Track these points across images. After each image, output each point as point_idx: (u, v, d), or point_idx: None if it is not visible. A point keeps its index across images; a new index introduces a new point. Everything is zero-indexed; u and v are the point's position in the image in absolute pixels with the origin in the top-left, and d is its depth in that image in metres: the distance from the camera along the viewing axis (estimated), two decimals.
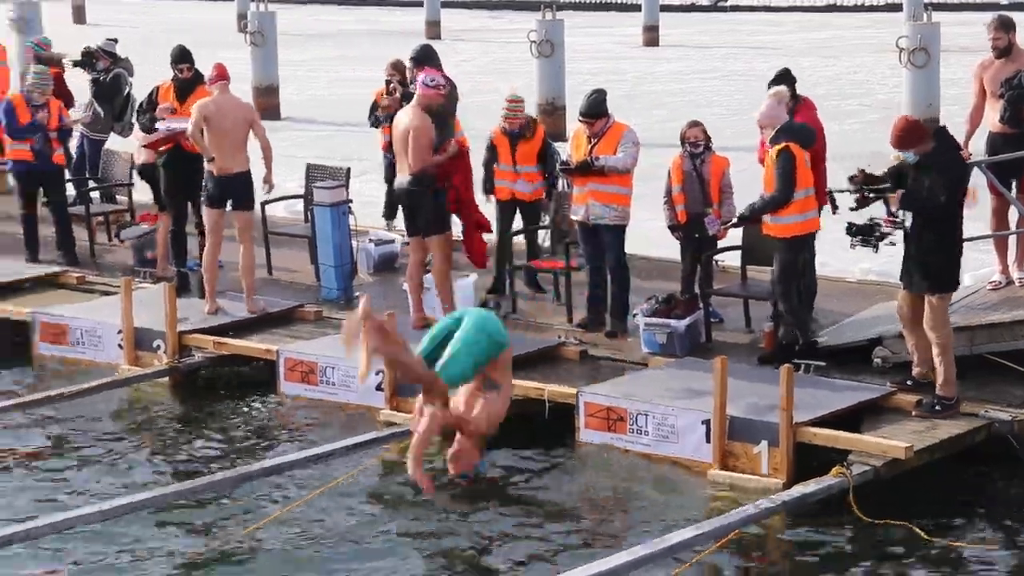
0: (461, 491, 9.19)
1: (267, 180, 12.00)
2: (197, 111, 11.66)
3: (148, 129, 12.66)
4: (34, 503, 9.02)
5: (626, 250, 11.32)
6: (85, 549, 8.20)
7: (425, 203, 11.15)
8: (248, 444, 10.23)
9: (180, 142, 12.21)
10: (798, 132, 10.43)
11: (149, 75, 14.51)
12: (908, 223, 9.51)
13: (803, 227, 10.32)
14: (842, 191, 10.00)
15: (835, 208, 10.29)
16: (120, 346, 11.63)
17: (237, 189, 11.76)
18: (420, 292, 11.44)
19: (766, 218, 10.37)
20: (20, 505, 8.99)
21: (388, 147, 12.93)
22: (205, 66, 12.31)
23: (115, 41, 15.35)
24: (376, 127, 13.71)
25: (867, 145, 16.61)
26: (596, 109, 11.15)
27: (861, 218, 9.84)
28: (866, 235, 9.71)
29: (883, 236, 9.72)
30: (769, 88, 10.87)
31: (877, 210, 9.83)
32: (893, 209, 9.64)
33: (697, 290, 11.24)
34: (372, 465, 9.48)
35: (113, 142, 15.23)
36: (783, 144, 10.23)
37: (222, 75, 11.83)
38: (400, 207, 11.84)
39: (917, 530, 8.54)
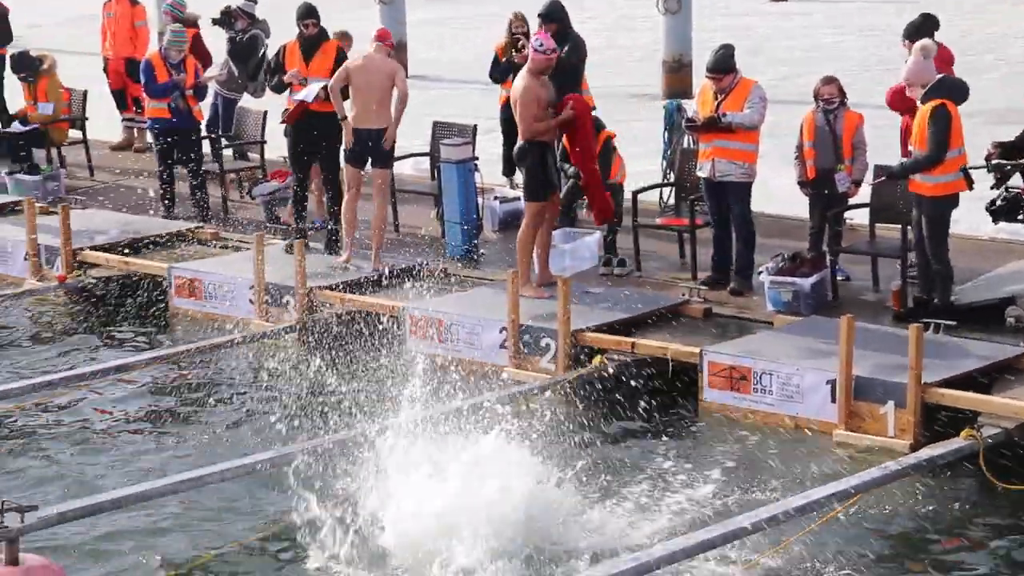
0: (581, 452, 9.28)
1: (389, 135, 12.10)
2: (343, 67, 11.85)
3: (278, 90, 12.84)
4: (169, 458, 9.25)
5: (752, 207, 11.23)
6: (221, 505, 8.39)
7: (526, 169, 11.16)
8: (375, 400, 10.38)
9: (308, 103, 12.36)
10: (953, 88, 10.18)
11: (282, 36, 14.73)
12: None
13: (953, 186, 10.13)
14: (977, 167, 9.76)
15: (971, 185, 10.05)
16: (251, 301, 11.90)
17: (377, 145, 11.92)
18: (546, 250, 11.50)
19: (915, 176, 10.17)
20: (154, 460, 9.22)
21: (507, 102, 12.97)
22: (333, 25, 12.44)
23: (255, 2, 15.59)
24: (498, 83, 13.73)
25: (1001, 102, 16.20)
26: (724, 64, 11.05)
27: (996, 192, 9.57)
28: (1011, 213, 9.45)
29: None
30: (907, 36, 10.58)
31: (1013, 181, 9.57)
32: None
33: (824, 248, 11.11)
34: (491, 422, 9.56)
35: (246, 100, 15.50)
36: (938, 101, 9.99)
37: (381, 37, 12.07)
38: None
39: None
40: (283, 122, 12.68)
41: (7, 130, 15.51)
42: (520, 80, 11.22)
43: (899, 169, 10.31)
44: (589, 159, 11.41)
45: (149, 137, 15.53)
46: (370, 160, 12.06)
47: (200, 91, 14.19)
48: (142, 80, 14.22)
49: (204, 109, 14.76)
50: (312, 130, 12.35)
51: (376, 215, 12.09)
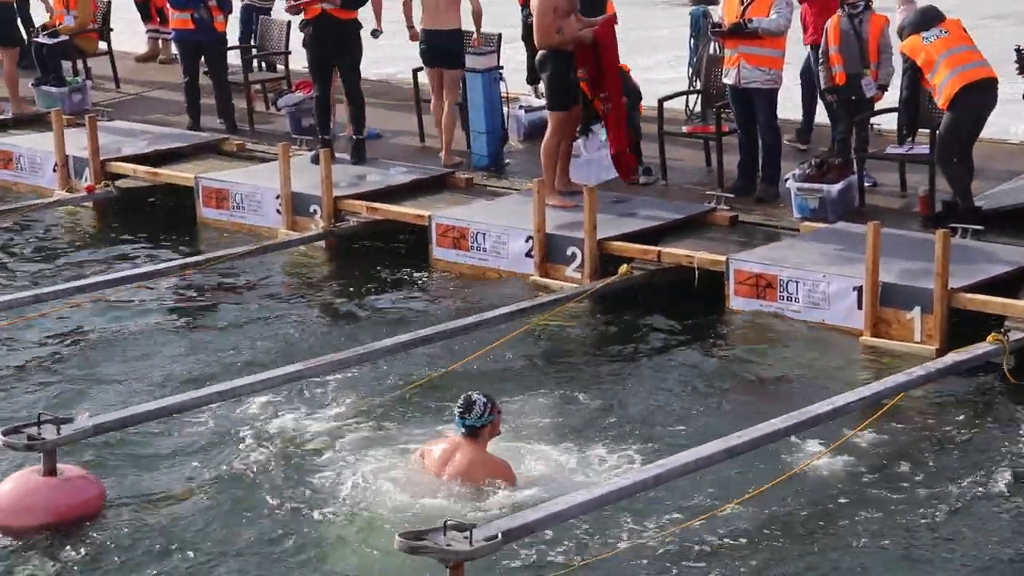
0: (611, 360, 9.35)
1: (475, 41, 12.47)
2: None
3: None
4: (195, 368, 9.31)
5: (778, 114, 11.17)
6: (239, 418, 8.47)
7: (548, 77, 11.09)
8: (401, 310, 10.46)
9: (325, 8, 12.24)
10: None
11: None
12: None
13: (963, 79, 10.03)
14: None
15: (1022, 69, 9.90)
16: (278, 211, 11.95)
17: (445, 47, 12.09)
18: (567, 159, 11.47)
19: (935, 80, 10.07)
20: (180, 372, 9.25)
21: (525, 3, 12.87)
22: None
23: None
24: None
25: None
26: None
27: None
28: None
29: None
30: None
31: None
32: None
33: (851, 154, 11.06)
34: (524, 332, 9.63)
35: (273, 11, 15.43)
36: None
37: None
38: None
39: None
40: (287, 9, 12.54)
41: (36, 40, 15.49)
42: None
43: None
44: (612, 86, 11.07)
45: (174, 48, 15.50)
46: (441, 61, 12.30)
47: (224, 2, 14.12)
48: None
49: (234, 23, 14.69)
50: (330, 38, 12.28)
51: (446, 113, 12.38)
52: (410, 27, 12.59)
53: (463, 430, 7.43)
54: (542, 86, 11.78)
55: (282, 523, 7.25)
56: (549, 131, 11.28)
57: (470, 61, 12.44)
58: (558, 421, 8.33)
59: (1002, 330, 8.88)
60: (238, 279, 11.18)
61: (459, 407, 7.43)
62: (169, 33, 15.07)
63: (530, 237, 10.64)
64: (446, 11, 12.18)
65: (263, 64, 15.20)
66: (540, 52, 11.17)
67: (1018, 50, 9.43)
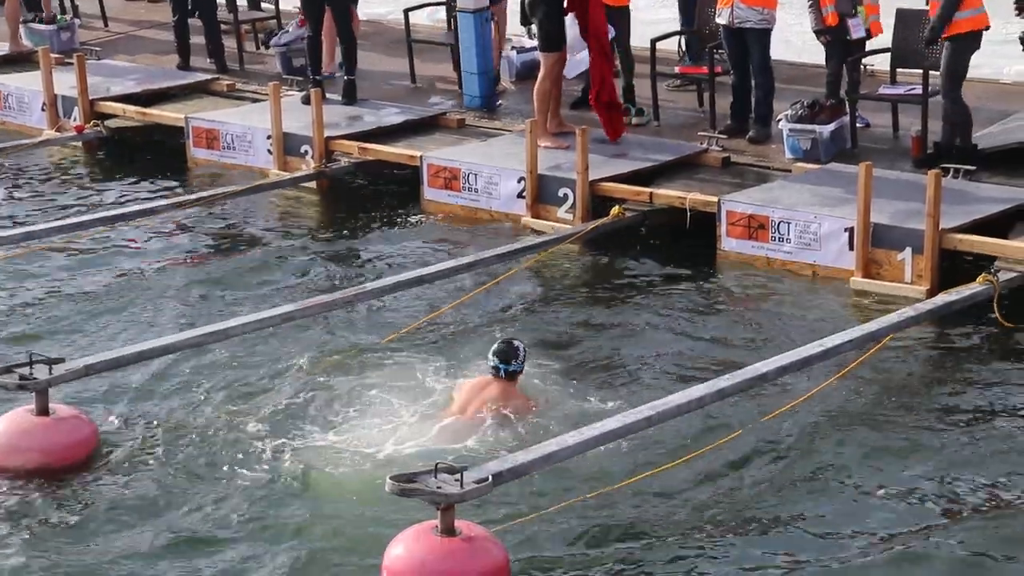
0: (602, 303, 9.36)
1: None
2: None
3: None
4: (187, 309, 9.29)
5: (771, 54, 11.12)
6: (231, 359, 8.47)
7: (539, 20, 11.02)
8: (393, 252, 10.44)
9: None
10: None
11: None
12: None
13: (974, 23, 9.99)
14: None
15: (1021, 9, 9.83)
16: (270, 151, 11.90)
17: None
18: (559, 101, 11.40)
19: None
20: (171, 312, 9.26)
21: None
22: None
23: None
24: None
25: None
26: None
27: None
28: None
29: None
30: None
31: None
32: None
33: (843, 95, 11.01)
34: (515, 273, 9.62)
35: None
36: None
37: None
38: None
39: None
40: None
41: None
42: None
43: (934, 29, 10.12)
44: (593, 36, 10.92)
45: None
46: None
47: None
48: None
49: None
50: None
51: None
52: None
53: (503, 375, 7.61)
54: (535, 28, 11.68)
55: (274, 466, 7.25)
56: (541, 73, 11.22)
57: (461, 1, 12.34)
58: (550, 363, 8.34)
59: (992, 270, 8.90)
60: (229, 219, 11.15)
61: (500, 353, 7.63)
62: None
63: (522, 178, 10.61)
64: None
65: (251, 3, 15.08)
66: None
67: None
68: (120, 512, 6.94)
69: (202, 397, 8.00)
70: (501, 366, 7.61)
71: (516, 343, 7.74)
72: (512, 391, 7.63)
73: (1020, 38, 9.29)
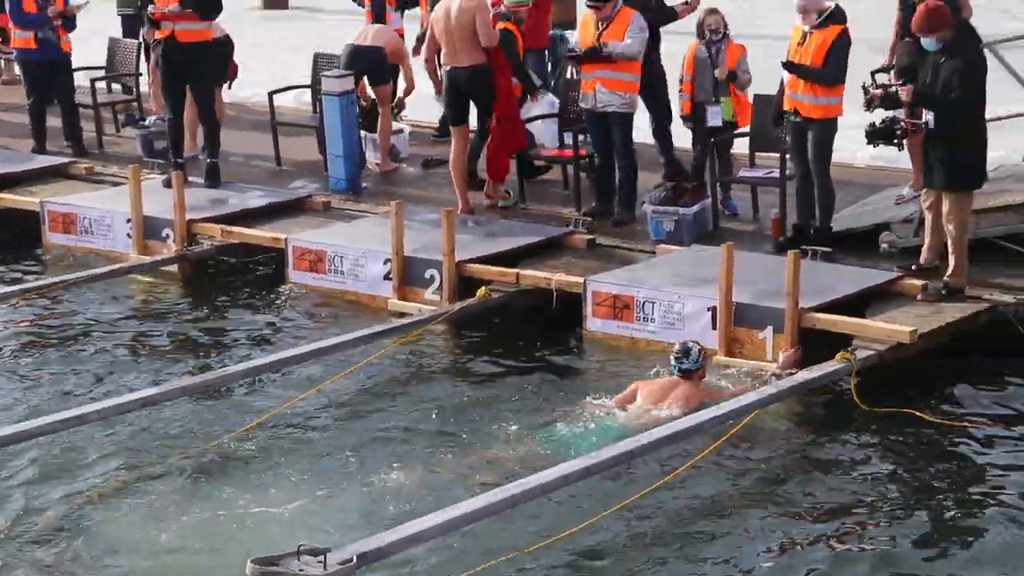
0: (468, 382, 9.31)
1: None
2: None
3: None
4: (42, 396, 9.04)
5: (634, 138, 11.29)
6: (90, 444, 8.25)
7: (490, 84, 11.34)
8: (257, 335, 10.28)
9: (175, 32, 12.06)
10: (843, 15, 10.29)
11: None
12: (931, 120, 9.33)
13: (839, 109, 10.29)
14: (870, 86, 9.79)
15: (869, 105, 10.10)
16: (129, 235, 11.67)
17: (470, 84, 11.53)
18: (466, 179, 11.53)
19: (804, 99, 10.24)
20: (26, 399, 9.00)
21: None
22: None
23: None
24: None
25: (878, 32, 16.39)
26: None
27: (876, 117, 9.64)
28: (887, 136, 9.53)
29: (905, 133, 9.52)
30: None
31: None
32: (904, 98, 9.44)
33: (705, 178, 11.21)
34: (382, 355, 9.53)
35: (119, 32, 15.11)
36: (842, 27, 10.14)
37: None
38: (445, 93, 11.71)
39: (921, 415, 8.57)
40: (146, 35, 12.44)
41: None
42: None
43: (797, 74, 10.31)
44: (500, 107, 11.46)
45: (17, 69, 15.09)
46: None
47: (69, 22, 13.78)
48: (7, 9, 13.77)
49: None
50: (179, 59, 12.08)
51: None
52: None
53: (679, 373, 8.66)
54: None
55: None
56: (454, 147, 11.37)
57: (327, 84, 12.34)
58: (415, 443, 8.24)
59: (850, 349, 9.06)
60: (84, 305, 10.86)
61: (677, 353, 8.72)
62: (11, 53, 14.66)
63: (388, 260, 10.56)
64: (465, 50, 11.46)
65: (111, 86, 14.88)
66: (479, 64, 11.28)
67: (864, 88, 9.66)
68: None
69: (43, 491, 7.71)
70: (675, 365, 8.68)
71: (689, 344, 8.76)
72: (684, 386, 8.59)
73: (867, 132, 9.56)
